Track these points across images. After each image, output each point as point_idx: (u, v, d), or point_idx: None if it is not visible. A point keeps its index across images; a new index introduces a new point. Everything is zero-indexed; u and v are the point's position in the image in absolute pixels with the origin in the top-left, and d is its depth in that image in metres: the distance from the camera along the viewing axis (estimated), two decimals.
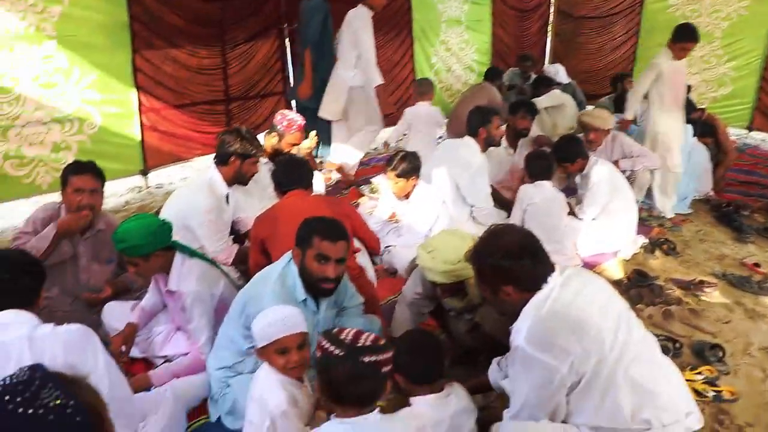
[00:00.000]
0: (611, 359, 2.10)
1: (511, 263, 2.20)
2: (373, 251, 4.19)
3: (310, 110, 6.45)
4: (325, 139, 6.65)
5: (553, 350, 2.07)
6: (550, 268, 2.26)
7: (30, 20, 5.29)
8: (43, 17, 5.36)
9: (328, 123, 6.57)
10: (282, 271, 2.77)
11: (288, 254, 2.83)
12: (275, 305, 2.47)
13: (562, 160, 4.81)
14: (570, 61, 9.80)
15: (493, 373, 2.68)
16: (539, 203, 4.44)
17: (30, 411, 1.08)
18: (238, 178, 4.04)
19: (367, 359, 1.83)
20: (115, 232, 2.94)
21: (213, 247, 3.83)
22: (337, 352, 1.85)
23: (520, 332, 2.15)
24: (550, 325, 2.13)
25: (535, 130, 6.03)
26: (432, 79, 8.19)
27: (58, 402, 1.11)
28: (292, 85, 6.74)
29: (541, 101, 6.82)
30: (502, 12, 10.00)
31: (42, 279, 2.36)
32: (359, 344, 1.86)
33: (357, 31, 6.13)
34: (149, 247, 2.96)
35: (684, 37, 5.36)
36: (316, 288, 2.72)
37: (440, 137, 7.19)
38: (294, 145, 4.93)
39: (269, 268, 2.90)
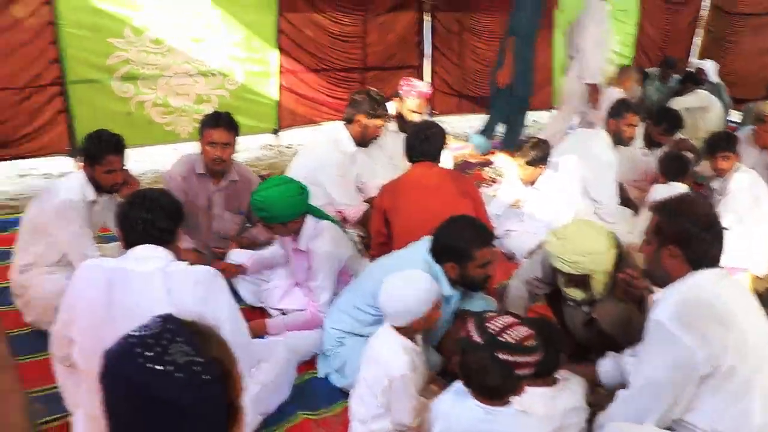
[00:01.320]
0: (750, 364, 2.01)
1: (697, 231, 2.15)
2: None
3: (503, 98, 6.57)
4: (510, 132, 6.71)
5: (694, 332, 1.98)
6: (717, 259, 2.20)
7: None
8: None
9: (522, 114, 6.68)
10: (426, 259, 2.77)
11: (427, 244, 2.83)
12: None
13: (714, 151, 4.51)
14: (719, 60, 9.11)
15: (606, 367, 2.60)
16: None
17: (159, 367, 1.06)
18: (361, 140, 4.10)
19: (502, 356, 1.75)
20: (256, 198, 3.02)
21: (345, 200, 3.93)
22: (476, 338, 1.79)
23: (664, 308, 2.09)
24: (696, 307, 2.06)
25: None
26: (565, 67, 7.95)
27: (187, 359, 1.08)
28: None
29: (684, 101, 6.49)
30: (651, 3, 9.48)
31: (180, 221, 2.40)
32: (502, 338, 1.77)
33: (586, 21, 6.20)
34: (290, 217, 3.06)
35: None
36: (480, 287, 2.84)
37: None
38: (415, 112, 4.86)
39: (414, 249, 2.89)
